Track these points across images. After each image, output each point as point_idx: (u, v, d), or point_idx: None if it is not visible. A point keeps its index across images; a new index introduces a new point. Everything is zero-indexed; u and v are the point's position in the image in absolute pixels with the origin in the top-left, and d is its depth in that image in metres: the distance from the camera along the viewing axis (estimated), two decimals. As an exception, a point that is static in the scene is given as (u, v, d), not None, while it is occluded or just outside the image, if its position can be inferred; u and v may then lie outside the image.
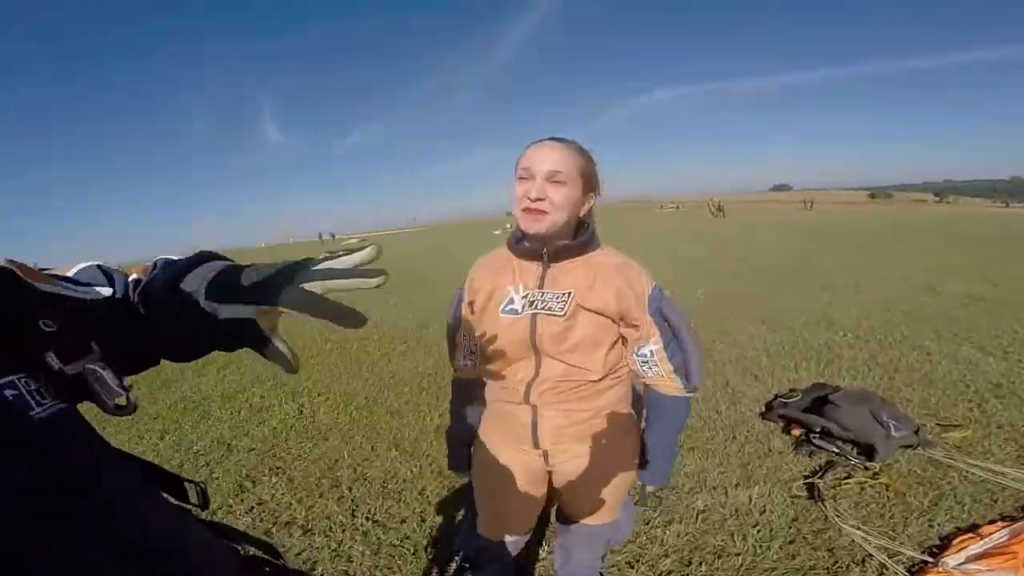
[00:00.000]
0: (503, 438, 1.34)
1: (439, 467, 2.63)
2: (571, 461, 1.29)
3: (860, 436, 2.52)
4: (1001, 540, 1.83)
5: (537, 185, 1.10)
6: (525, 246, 1.20)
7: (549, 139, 1.15)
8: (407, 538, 2.11)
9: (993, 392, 3.18)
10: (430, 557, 1.99)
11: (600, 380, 1.22)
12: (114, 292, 0.56)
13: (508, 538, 1.48)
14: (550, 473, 1.37)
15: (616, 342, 1.23)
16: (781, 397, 3.15)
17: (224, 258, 0.60)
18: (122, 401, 0.50)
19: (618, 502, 1.38)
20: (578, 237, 1.19)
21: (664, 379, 1.21)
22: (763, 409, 3.14)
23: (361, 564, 1.96)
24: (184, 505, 0.59)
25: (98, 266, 0.59)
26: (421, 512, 2.28)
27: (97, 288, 0.55)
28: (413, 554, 2.01)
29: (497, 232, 27.76)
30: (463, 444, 1.47)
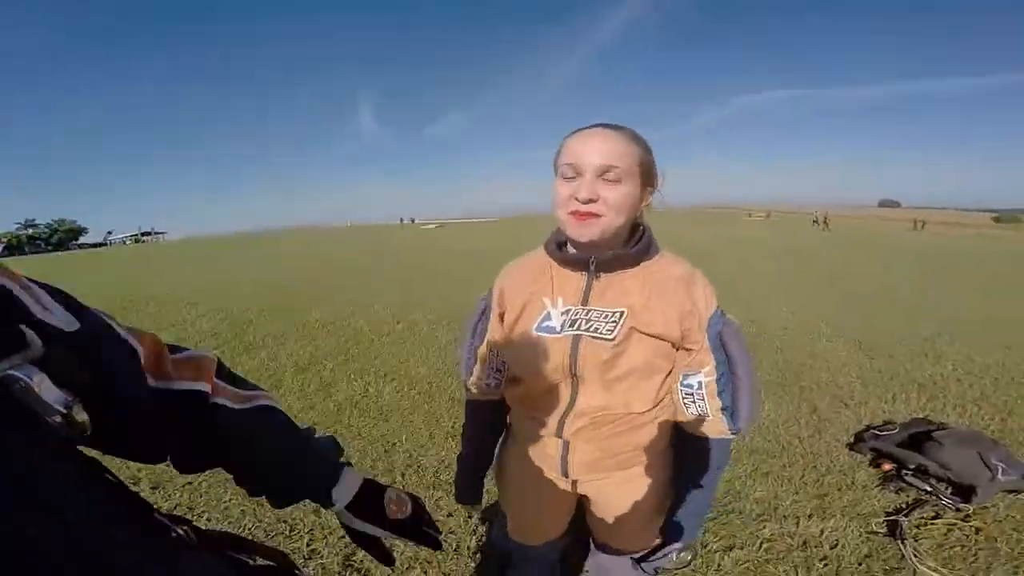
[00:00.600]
0: (529, 462, 1.20)
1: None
2: (602, 489, 1.18)
3: (960, 477, 2.25)
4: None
5: (587, 183, 0.91)
6: (569, 252, 1.02)
7: (598, 126, 0.95)
8: (451, 532, 2.08)
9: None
10: (472, 555, 1.96)
11: (643, 413, 1.05)
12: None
13: (539, 543, 1.42)
14: (578, 499, 1.27)
15: (671, 371, 1.04)
16: (874, 429, 2.86)
17: (349, 463, 0.78)
18: (58, 420, 0.41)
19: (653, 533, 1.21)
20: (632, 243, 1.01)
21: (709, 420, 1.02)
22: (851, 440, 2.88)
23: (402, 553, 1.95)
24: (178, 530, 0.54)
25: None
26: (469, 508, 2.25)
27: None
28: (455, 550, 1.98)
29: None
30: (476, 472, 1.31)
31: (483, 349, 1.15)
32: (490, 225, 47.04)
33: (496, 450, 1.34)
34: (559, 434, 1.09)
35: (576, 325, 0.99)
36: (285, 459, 0.67)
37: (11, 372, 0.38)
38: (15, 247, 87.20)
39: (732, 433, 1.04)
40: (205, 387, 0.59)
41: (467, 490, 1.33)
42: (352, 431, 3.03)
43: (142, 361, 0.54)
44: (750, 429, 3.03)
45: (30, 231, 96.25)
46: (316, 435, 0.77)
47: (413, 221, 63.23)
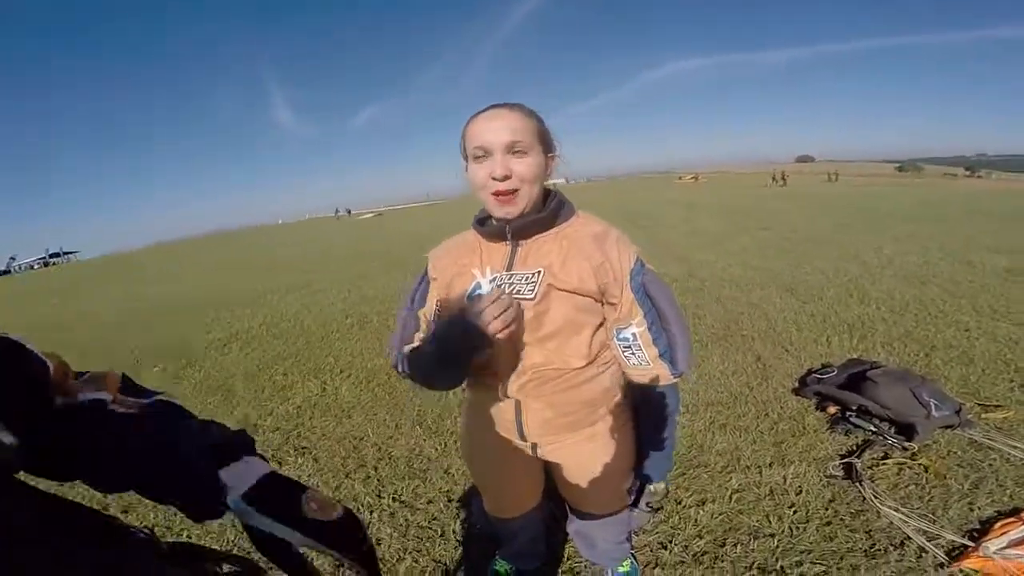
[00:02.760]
0: (488, 430, 1.24)
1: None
2: (563, 453, 1.22)
3: (899, 415, 2.43)
4: (1047, 525, 1.75)
5: (499, 161, 0.97)
6: (491, 224, 1.08)
7: (494, 107, 1.01)
8: (435, 519, 2.09)
9: (1035, 371, 3.05)
10: (459, 539, 1.97)
11: (585, 367, 1.10)
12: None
13: (517, 515, 1.46)
14: (544, 462, 1.30)
15: (601, 324, 1.11)
16: (815, 372, 3.05)
17: (263, 457, 0.64)
18: None
19: (623, 491, 1.28)
20: (544, 209, 1.07)
21: (650, 367, 1.08)
22: (796, 385, 3.07)
23: (390, 546, 1.94)
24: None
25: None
26: (448, 492, 2.26)
27: None
28: (441, 535, 1.99)
29: None
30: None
31: (424, 312, 1.18)
32: (430, 208, 46.44)
33: (460, 426, 1.39)
34: (507, 393, 1.14)
35: (502, 286, 1.06)
36: (175, 449, 0.59)
37: None
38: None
39: (675, 377, 1.10)
40: (107, 396, 0.56)
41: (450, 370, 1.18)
42: (316, 432, 2.97)
43: (51, 376, 0.53)
44: (703, 382, 3.20)
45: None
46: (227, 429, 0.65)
47: (350, 212, 60.89)
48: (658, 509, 1.72)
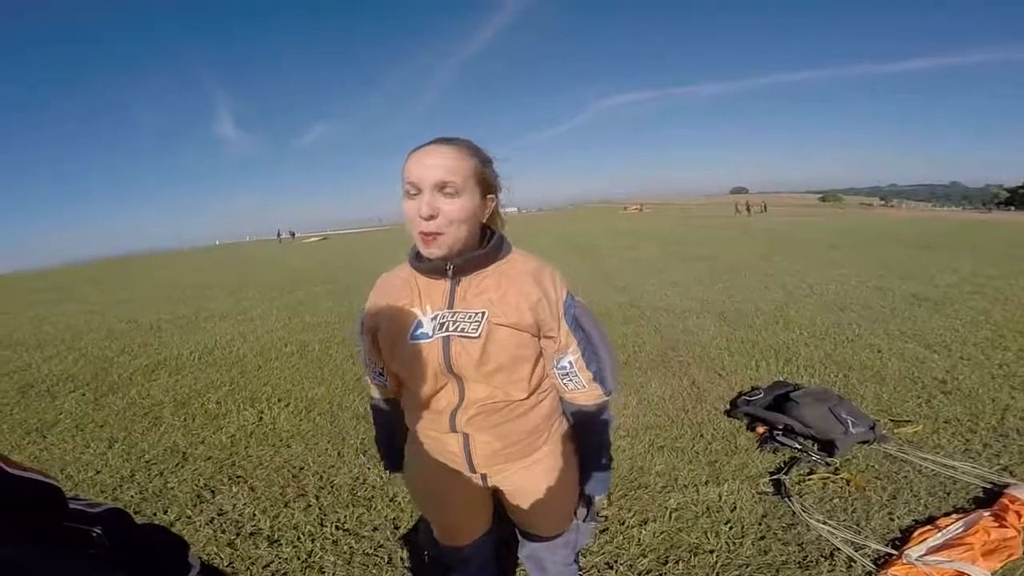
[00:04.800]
0: (434, 462, 1.24)
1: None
2: (512, 479, 1.24)
3: (820, 433, 2.60)
4: (958, 532, 1.91)
5: (426, 200, 0.97)
6: (428, 262, 1.07)
7: (435, 142, 1.01)
8: (380, 546, 2.05)
9: (939, 388, 3.34)
10: (407, 566, 1.94)
11: (527, 398, 1.15)
12: None
13: (468, 543, 1.46)
14: (492, 491, 1.32)
15: (539, 357, 1.15)
16: (745, 395, 3.22)
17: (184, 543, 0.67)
18: None
19: (569, 510, 1.34)
20: (484, 246, 1.09)
21: (585, 390, 1.16)
22: (728, 407, 3.22)
23: (334, 574, 1.90)
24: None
25: None
26: (394, 519, 2.22)
27: None
28: (388, 563, 1.96)
29: None
30: (395, 446, 1.37)
31: (366, 358, 1.25)
32: (377, 233, 45.63)
33: (405, 461, 1.37)
34: (454, 428, 1.15)
35: (444, 327, 1.07)
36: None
37: None
38: None
39: (606, 395, 1.19)
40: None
41: (393, 460, 1.39)
42: (252, 461, 2.85)
43: None
44: (643, 406, 3.31)
45: None
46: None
47: (293, 236, 58.29)
48: (604, 519, 1.77)
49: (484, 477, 1.24)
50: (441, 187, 0.98)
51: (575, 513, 1.37)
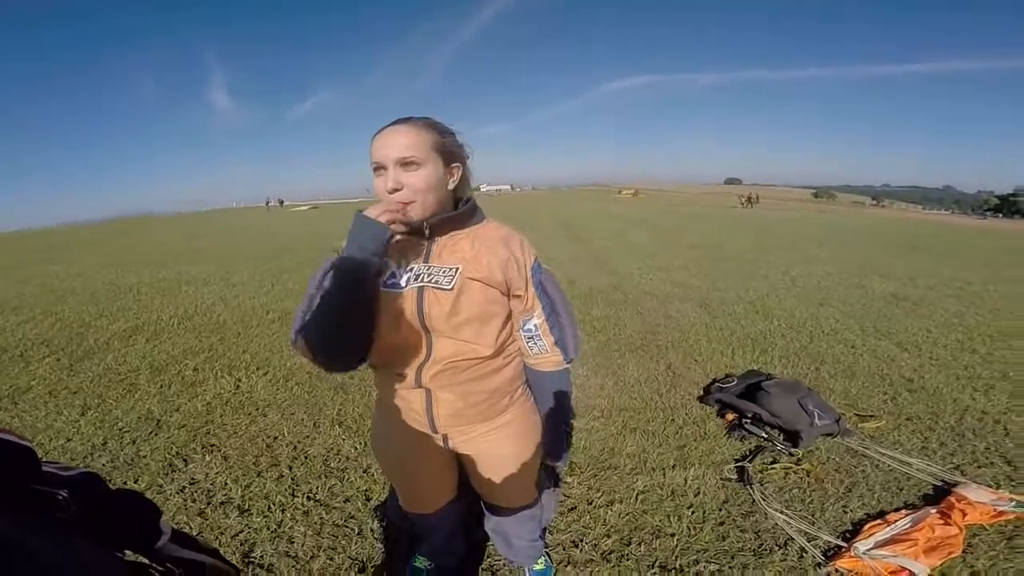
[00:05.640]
0: (399, 423, 1.28)
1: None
2: (474, 444, 1.29)
3: (787, 423, 2.67)
4: (905, 527, 1.98)
5: (391, 175, 1.05)
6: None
7: (395, 123, 1.09)
8: (352, 517, 2.09)
9: (906, 386, 3.43)
10: (377, 537, 1.98)
11: (493, 358, 1.20)
12: None
13: (431, 511, 1.50)
14: (456, 454, 1.37)
15: (507, 318, 1.21)
16: (718, 382, 3.29)
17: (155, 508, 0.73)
18: None
19: (532, 481, 1.41)
20: (456, 209, 1.17)
21: (547, 354, 1.24)
22: (701, 393, 3.28)
23: (303, 544, 1.93)
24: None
25: None
26: (366, 491, 2.25)
27: None
28: (358, 534, 1.99)
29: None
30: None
31: None
32: (367, 203, 44.98)
33: (371, 425, 1.42)
34: (419, 383, 1.19)
35: (420, 279, 1.12)
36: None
37: None
38: None
39: (567, 362, 1.27)
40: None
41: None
42: (227, 430, 2.86)
43: None
44: (618, 389, 3.37)
45: None
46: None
47: (282, 203, 57.11)
48: (558, 484, 1.82)
49: (446, 439, 1.28)
50: (403, 162, 1.05)
51: (537, 485, 1.43)
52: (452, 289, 1.10)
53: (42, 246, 18.37)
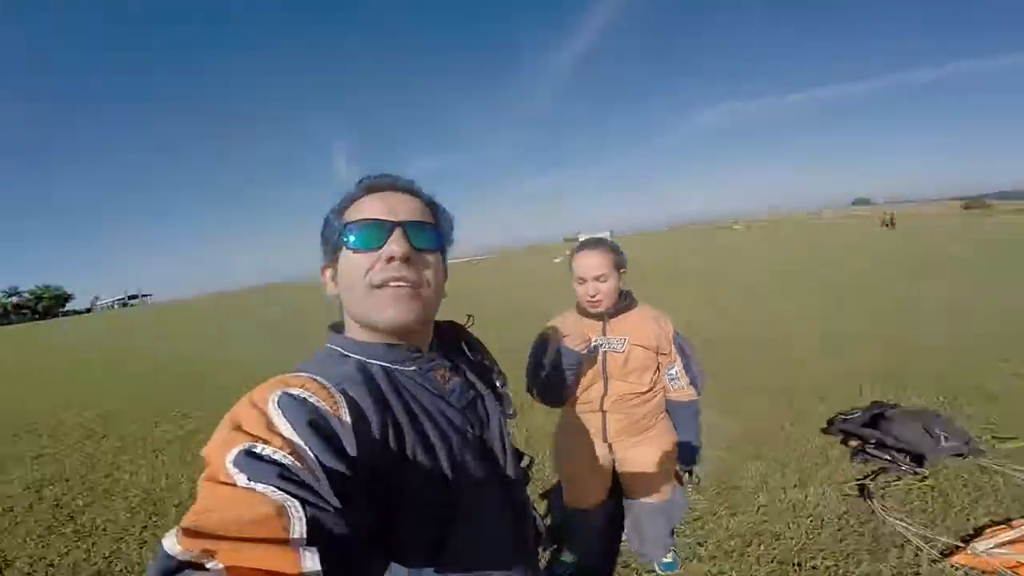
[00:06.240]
0: (581, 434, 1.88)
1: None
2: (630, 449, 1.86)
3: (911, 446, 2.80)
4: (1030, 531, 2.09)
5: (591, 287, 1.67)
6: (588, 312, 1.77)
7: (588, 249, 1.70)
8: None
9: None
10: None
11: (647, 392, 1.80)
12: None
13: (590, 506, 2.00)
14: (615, 462, 1.93)
15: (657, 367, 1.81)
16: (843, 415, 3.43)
17: None
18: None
19: (667, 482, 1.92)
20: (621, 301, 1.75)
21: (684, 389, 1.84)
22: (825, 426, 3.44)
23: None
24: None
25: None
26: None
27: None
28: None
29: (557, 260, 27.75)
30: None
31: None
32: (485, 263, 46.94)
33: (553, 441, 2.07)
34: (601, 408, 1.82)
35: (601, 346, 1.77)
36: None
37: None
38: (0, 315, 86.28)
39: (698, 395, 1.87)
40: None
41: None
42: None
43: None
44: (742, 423, 3.62)
45: (14, 299, 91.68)
46: None
47: None
48: (695, 483, 2.28)
49: (611, 447, 1.89)
50: (598, 278, 1.67)
51: (676, 479, 1.97)
52: (623, 351, 1.75)
53: (191, 315, 21.39)
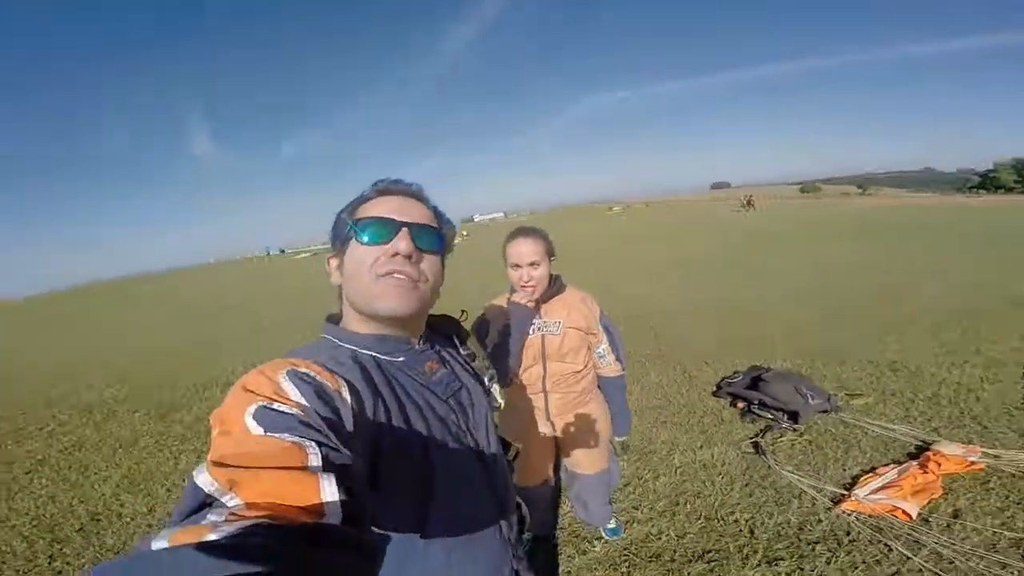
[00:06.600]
0: (525, 413, 1.96)
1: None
2: (571, 425, 1.96)
3: (787, 405, 3.23)
4: (892, 477, 2.52)
5: (525, 273, 1.72)
6: (517, 297, 1.82)
7: (521, 237, 1.75)
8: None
9: (890, 368, 4.01)
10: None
11: (582, 370, 1.91)
12: None
13: (538, 483, 2.10)
14: (557, 439, 2.03)
15: (588, 347, 1.93)
16: (727, 379, 3.89)
17: None
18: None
19: (604, 453, 2.07)
20: (552, 285, 1.83)
21: (611, 366, 1.97)
22: (714, 389, 3.87)
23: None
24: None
25: None
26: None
27: None
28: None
29: (465, 234, 27.48)
30: None
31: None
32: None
33: (499, 423, 2.07)
34: (543, 389, 1.91)
35: (540, 329, 1.84)
36: None
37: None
38: None
39: (623, 370, 2.00)
40: None
41: None
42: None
43: None
44: (644, 392, 3.96)
45: None
46: None
47: (283, 251, 57.29)
48: (627, 451, 2.57)
49: (553, 425, 1.96)
50: (530, 263, 1.72)
51: (611, 448, 2.10)
52: (559, 334, 1.84)
53: (47, 315, 18.81)
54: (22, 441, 4.43)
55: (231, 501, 0.40)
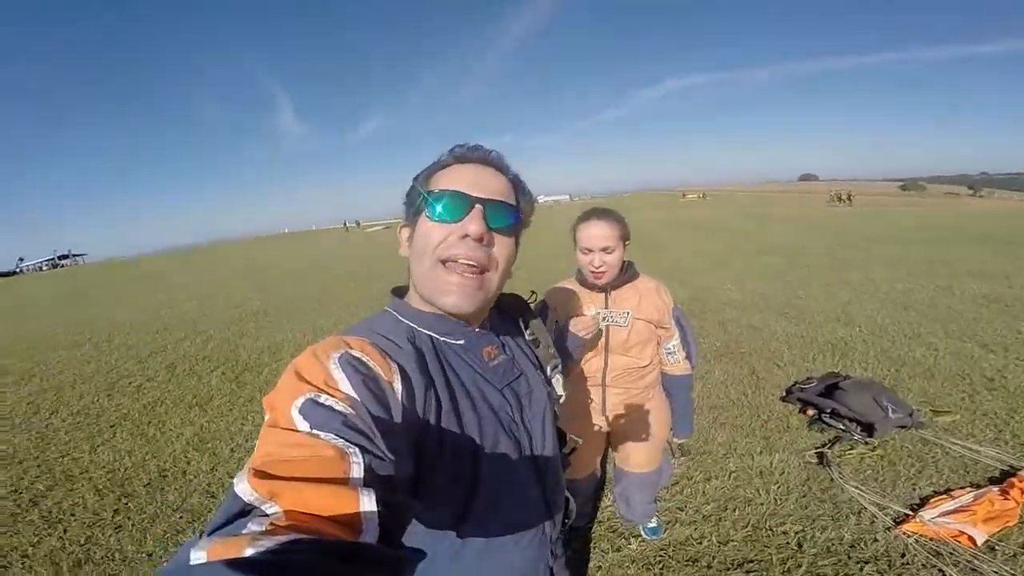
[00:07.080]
0: (581, 406, 1.91)
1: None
2: (627, 423, 1.89)
3: (862, 416, 3.03)
4: (967, 501, 2.33)
5: (597, 258, 1.64)
6: (591, 283, 1.74)
7: (595, 218, 1.66)
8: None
9: (986, 385, 3.65)
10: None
11: (646, 366, 1.81)
12: None
13: (582, 476, 2.09)
14: (610, 434, 1.99)
15: (656, 342, 1.82)
16: (799, 384, 3.68)
17: None
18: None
19: (659, 453, 2.00)
20: (624, 272, 1.73)
21: (680, 364, 1.86)
22: (784, 394, 3.68)
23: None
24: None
25: None
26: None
27: None
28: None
29: None
30: None
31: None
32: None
33: None
34: (602, 383, 1.84)
35: (604, 320, 1.74)
36: None
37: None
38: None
39: (691, 369, 1.90)
40: None
41: None
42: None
43: None
44: (706, 390, 3.83)
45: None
46: None
47: (359, 224, 60.34)
48: (686, 454, 2.49)
49: (608, 420, 1.91)
50: (604, 249, 1.64)
51: (668, 450, 2.05)
52: (626, 325, 1.74)
53: (139, 274, 20.62)
54: (113, 395, 4.84)
55: (271, 509, 0.41)
